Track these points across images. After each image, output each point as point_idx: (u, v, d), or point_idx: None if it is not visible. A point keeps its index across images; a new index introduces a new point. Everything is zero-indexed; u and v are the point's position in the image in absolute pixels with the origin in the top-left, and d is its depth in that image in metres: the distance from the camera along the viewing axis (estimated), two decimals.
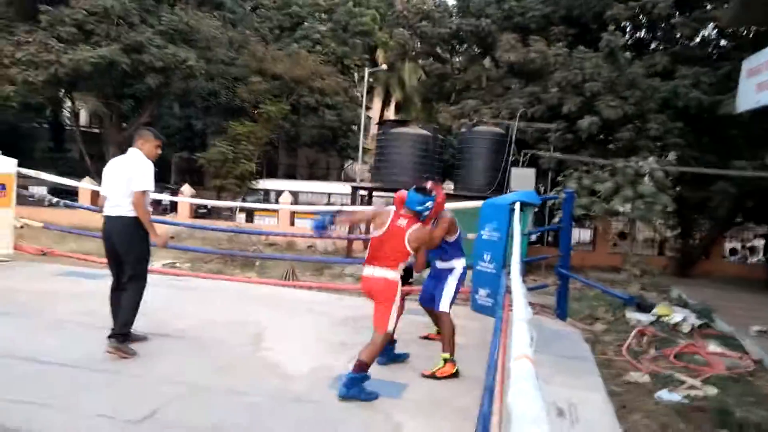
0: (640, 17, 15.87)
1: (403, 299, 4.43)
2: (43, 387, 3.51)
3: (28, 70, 17.54)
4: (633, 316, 7.43)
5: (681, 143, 12.85)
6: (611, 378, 5.28)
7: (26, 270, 7.23)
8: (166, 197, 16.74)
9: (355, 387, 3.63)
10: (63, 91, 22.22)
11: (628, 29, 16.43)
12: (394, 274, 3.84)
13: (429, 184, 4.16)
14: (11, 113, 23.45)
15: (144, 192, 4.14)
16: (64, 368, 3.85)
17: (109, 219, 4.22)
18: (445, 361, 4.19)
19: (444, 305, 4.37)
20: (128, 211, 4.13)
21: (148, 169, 4.18)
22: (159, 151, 4.39)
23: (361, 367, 3.65)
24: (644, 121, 13.13)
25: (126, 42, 18.37)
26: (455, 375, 4.16)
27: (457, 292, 4.48)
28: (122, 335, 4.13)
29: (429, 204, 3.99)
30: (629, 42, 15.98)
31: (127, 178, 4.12)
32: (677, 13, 14.57)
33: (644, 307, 7.64)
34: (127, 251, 4.20)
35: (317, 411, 3.47)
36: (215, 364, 4.17)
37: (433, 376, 4.12)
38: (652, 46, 16.48)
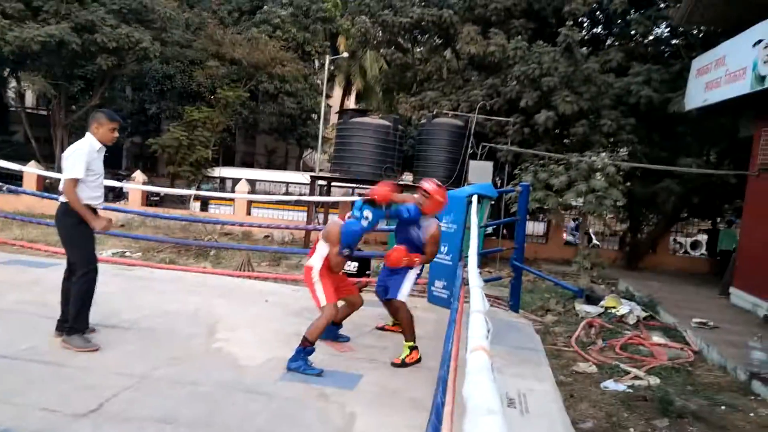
0: (597, 13, 16.25)
1: (359, 291, 4.55)
2: None
3: None
4: (582, 308, 7.68)
5: (633, 139, 13.25)
6: (560, 368, 5.45)
7: None
8: (117, 184, 16.27)
9: (299, 360, 3.93)
10: (8, 70, 21.21)
11: (585, 24, 16.79)
12: (310, 261, 4.23)
13: (426, 185, 4.34)
14: None
15: (74, 180, 3.95)
16: (10, 361, 3.71)
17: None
18: (411, 349, 4.26)
19: (402, 294, 4.36)
20: (64, 198, 4.02)
21: (79, 156, 3.99)
22: (115, 135, 4.20)
23: (304, 343, 3.96)
24: (598, 116, 13.48)
25: (77, 20, 17.66)
26: (419, 361, 4.26)
27: (414, 283, 4.47)
28: (71, 328, 3.98)
29: (365, 213, 4.16)
30: (586, 37, 16.35)
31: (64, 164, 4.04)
32: (633, 10, 14.98)
33: (593, 300, 7.89)
34: (64, 239, 4.11)
35: (271, 402, 3.45)
36: (166, 355, 4.09)
37: (403, 364, 4.20)
38: (608, 42, 16.90)
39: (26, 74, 20.39)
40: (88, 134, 4.12)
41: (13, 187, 8.56)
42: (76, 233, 4.08)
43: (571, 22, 13.92)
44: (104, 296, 5.27)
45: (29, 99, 27.48)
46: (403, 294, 4.35)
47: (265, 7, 28.43)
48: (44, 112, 25.10)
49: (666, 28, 15.09)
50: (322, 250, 4.21)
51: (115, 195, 19.35)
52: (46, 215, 15.79)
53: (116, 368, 3.73)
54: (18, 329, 4.34)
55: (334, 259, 4.12)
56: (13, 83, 24.09)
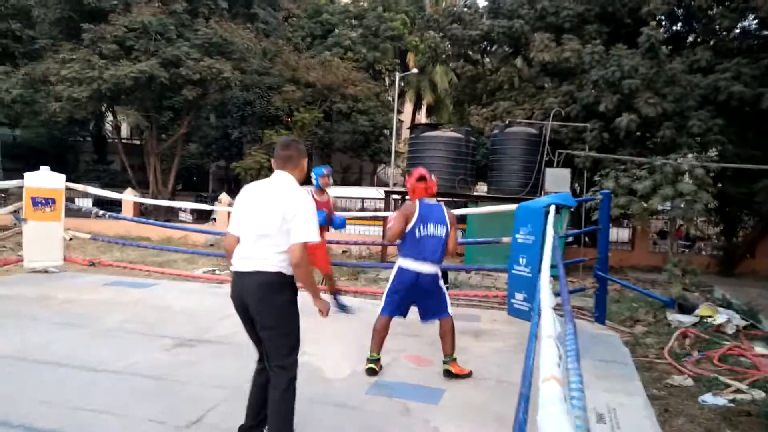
0: (678, 11, 15.52)
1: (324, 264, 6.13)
2: (99, 394, 3.68)
3: (72, 87, 18.27)
4: (674, 317, 7.29)
5: (722, 139, 12.51)
6: (653, 381, 5.21)
7: (77, 281, 7.55)
8: (206, 207, 17.24)
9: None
10: (105, 105, 23.01)
11: (664, 23, 16.09)
12: None
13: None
14: (58, 128, 24.45)
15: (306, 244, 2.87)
16: (118, 375, 4.03)
17: (243, 276, 2.90)
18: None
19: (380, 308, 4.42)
20: (277, 265, 2.88)
21: (313, 211, 2.92)
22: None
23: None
24: (683, 118, 12.84)
25: (164, 56, 18.95)
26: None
27: (388, 294, 4.35)
28: None
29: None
30: (665, 36, 15.65)
31: (282, 218, 2.84)
32: (715, 4, 14.22)
33: (686, 309, 7.48)
34: (272, 320, 2.88)
35: (357, 416, 3.54)
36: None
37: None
38: (689, 39, 16.10)
39: (121, 108, 22.04)
40: (285, 175, 3.00)
41: (115, 214, 9.25)
42: (291, 313, 2.97)
43: (654, 23, 13.38)
44: (199, 313, 5.60)
45: (124, 130, 29.59)
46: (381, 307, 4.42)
47: (336, 30, 29.28)
48: (137, 142, 26.96)
49: (754, 19, 14.18)
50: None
51: (204, 216, 20.47)
52: (143, 237, 16.93)
53: (213, 381, 3.95)
54: (122, 346, 4.69)
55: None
56: (109, 117, 26.09)
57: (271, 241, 2.85)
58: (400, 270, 4.23)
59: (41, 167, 7.79)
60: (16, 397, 3.55)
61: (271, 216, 2.84)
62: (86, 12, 19.13)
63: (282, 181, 2.96)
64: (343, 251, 16.27)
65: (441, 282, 4.35)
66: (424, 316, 4.35)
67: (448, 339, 4.25)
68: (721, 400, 4.79)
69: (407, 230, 4.16)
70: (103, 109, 24.19)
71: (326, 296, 5.53)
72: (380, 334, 4.32)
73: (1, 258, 8.41)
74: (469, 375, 4.23)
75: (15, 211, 7.89)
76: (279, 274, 2.87)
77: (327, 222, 5.78)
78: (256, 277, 2.84)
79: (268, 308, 2.86)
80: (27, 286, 6.96)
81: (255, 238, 2.88)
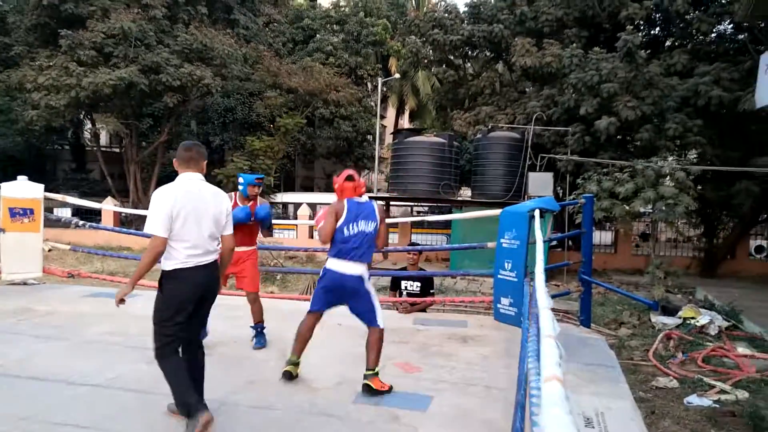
0: (656, 16, 15.76)
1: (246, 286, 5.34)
2: (81, 409, 3.59)
3: (50, 94, 17.98)
4: (658, 319, 7.37)
5: (702, 141, 12.70)
6: (639, 384, 5.25)
7: (57, 292, 7.39)
8: None
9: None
10: (84, 113, 22.69)
11: (642, 27, 16.32)
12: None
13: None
14: (35, 137, 24.04)
15: None
16: (100, 389, 3.93)
17: (206, 268, 3.42)
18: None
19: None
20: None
21: None
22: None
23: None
24: (663, 120, 13.02)
25: (144, 63, 18.75)
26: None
27: (316, 293, 4.24)
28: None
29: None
30: (644, 40, 15.88)
31: (227, 216, 3.56)
32: (692, 9, 14.47)
33: (669, 310, 7.56)
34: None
35: (343, 425, 3.50)
36: (242, 379, 4.22)
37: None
38: (667, 43, 16.36)
39: (100, 116, 21.75)
40: (200, 176, 3.51)
41: (95, 225, 9.08)
42: None
43: (631, 27, 13.56)
44: None
45: (103, 138, 29.19)
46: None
47: (317, 35, 29.27)
48: (117, 150, 26.66)
49: (729, 24, 14.46)
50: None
51: None
52: (123, 247, 16.67)
53: None
54: (104, 359, 4.59)
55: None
56: (88, 125, 25.73)
57: (218, 235, 3.51)
58: (327, 271, 4.09)
59: (18, 177, 7.62)
60: None
61: (222, 216, 3.50)
62: (63, 18, 18.86)
63: (207, 184, 3.50)
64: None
65: (368, 285, 4.15)
66: (360, 319, 4.19)
67: (374, 351, 4.04)
68: (706, 401, 4.84)
69: (336, 228, 4.00)
70: (82, 116, 23.89)
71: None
72: (305, 336, 4.25)
73: None
74: (389, 390, 3.99)
75: None
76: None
77: (251, 216, 5.11)
78: (215, 265, 3.49)
79: (217, 289, 3.57)
80: (6, 298, 6.80)
81: (210, 235, 3.42)
